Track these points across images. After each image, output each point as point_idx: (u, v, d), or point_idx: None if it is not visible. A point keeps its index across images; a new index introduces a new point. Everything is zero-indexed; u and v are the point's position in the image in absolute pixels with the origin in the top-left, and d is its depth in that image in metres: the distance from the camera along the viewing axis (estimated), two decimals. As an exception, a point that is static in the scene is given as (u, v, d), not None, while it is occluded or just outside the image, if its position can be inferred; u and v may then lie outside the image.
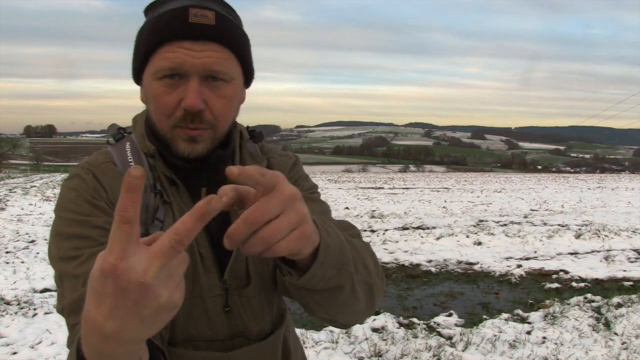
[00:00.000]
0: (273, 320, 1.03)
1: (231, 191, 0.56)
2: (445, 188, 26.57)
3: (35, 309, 4.66)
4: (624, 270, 6.66)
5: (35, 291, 5.36)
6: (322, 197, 1.10)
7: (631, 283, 6.11)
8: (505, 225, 10.70)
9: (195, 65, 0.85)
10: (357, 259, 0.82)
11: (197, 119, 0.88)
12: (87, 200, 0.90)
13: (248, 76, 0.97)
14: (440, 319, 4.69)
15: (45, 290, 5.43)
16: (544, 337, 4.20)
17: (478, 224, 10.80)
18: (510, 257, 7.51)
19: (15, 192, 18.20)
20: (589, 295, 5.32)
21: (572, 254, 7.82)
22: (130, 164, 0.94)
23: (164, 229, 0.88)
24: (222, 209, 0.52)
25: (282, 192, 0.58)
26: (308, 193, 1.04)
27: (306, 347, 3.84)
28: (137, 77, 0.95)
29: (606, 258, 7.36)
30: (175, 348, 0.93)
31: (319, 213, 0.94)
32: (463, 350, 3.92)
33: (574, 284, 6.07)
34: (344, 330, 4.10)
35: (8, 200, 14.98)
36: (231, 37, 0.89)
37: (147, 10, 0.93)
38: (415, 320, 4.61)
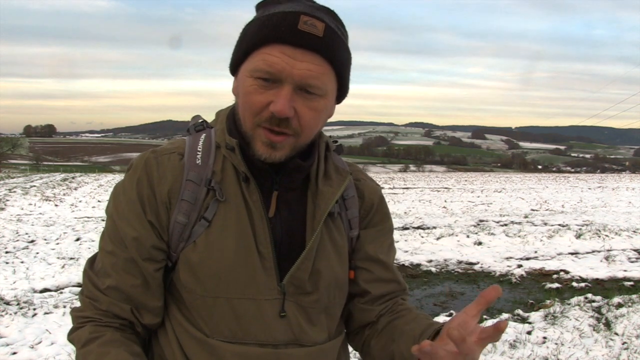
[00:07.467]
0: (330, 336, 1.00)
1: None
2: (446, 188, 26.58)
3: (34, 309, 4.65)
4: (625, 270, 6.66)
5: (34, 291, 5.35)
6: None
7: (632, 283, 6.10)
8: (505, 225, 10.69)
9: (292, 75, 0.85)
10: None
11: (283, 124, 0.87)
12: (131, 201, 0.92)
13: (342, 93, 0.95)
14: (441, 319, 4.68)
15: (45, 290, 5.43)
16: (545, 337, 4.19)
17: (478, 224, 10.79)
18: (511, 257, 7.51)
19: (15, 192, 18.18)
20: (589, 295, 5.31)
21: (572, 254, 7.82)
22: (198, 153, 0.94)
23: (210, 231, 0.91)
24: None
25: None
26: (391, 241, 1.10)
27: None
28: (234, 68, 0.94)
29: (607, 258, 7.35)
30: (222, 342, 0.91)
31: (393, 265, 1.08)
32: (463, 351, 3.91)
33: (574, 284, 6.06)
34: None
35: (8, 200, 14.97)
36: (334, 53, 0.88)
37: (260, 6, 0.92)
38: (415, 320, 4.60)
